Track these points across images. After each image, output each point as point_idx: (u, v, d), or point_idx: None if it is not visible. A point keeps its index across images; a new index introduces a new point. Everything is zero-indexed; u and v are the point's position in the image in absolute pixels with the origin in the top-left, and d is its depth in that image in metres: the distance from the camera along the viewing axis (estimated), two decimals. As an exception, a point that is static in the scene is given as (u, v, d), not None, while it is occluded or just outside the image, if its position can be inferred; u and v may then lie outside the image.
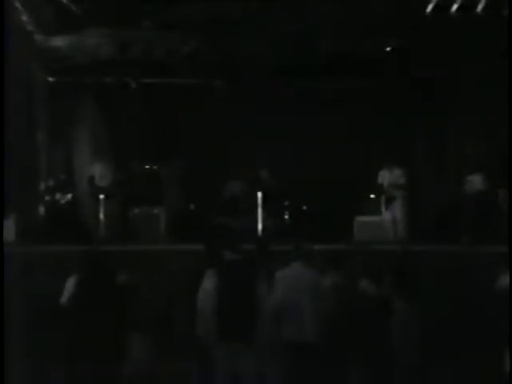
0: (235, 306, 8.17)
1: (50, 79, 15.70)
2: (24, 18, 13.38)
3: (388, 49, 14.46)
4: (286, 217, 14.96)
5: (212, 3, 12.92)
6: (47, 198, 14.69)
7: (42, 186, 14.94)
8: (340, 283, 8.95)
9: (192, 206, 15.46)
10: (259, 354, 8.30)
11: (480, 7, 12.51)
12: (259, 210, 14.33)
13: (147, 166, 15.62)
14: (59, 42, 14.53)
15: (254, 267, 8.74)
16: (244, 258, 8.79)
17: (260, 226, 14.21)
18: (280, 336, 8.45)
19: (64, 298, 8.58)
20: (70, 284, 8.54)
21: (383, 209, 14.37)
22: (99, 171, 14.59)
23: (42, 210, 14.60)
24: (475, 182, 14.20)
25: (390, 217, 14.22)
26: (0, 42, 10.93)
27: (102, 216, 14.06)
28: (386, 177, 14.54)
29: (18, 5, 12.95)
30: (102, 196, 14.19)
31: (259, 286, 8.44)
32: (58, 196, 14.55)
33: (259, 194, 14.44)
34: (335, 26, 13.65)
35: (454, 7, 12.63)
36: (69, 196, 14.61)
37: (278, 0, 12.62)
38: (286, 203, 15.03)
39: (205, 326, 8.37)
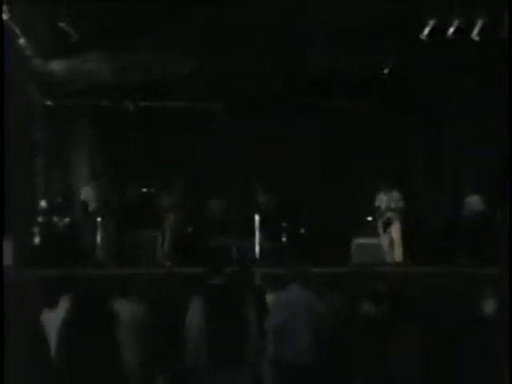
0: (228, 330, 8.12)
1: (49, 103, 15.74)
2: (22, 42, 13.42)
3: (385, 70, 14.48)
4: (284, 239, 14.96)
5: (210, 25, 12.96)
6: (45, 221, 14.65)
7: (40, 209, 14.92)
8: (337, 306, 8.94)
9: (190, 229, 15.44)
10: (253, 377, 8.25)
11: (476, 31, 12.55)
12: (257, 233, 14.34)
13: (145, 189, 15.63)
14: (57, 66, 14.57)
15: (250, 290, 8.71)
16: (246, 280, 8.77)
17: (258, 249, 14.21)
18: (277, 358, 8.41)
19: (58, 323, 8.54)
20: (64, 308, 8.51)
21: (381, 231, 14.39)
22: (93, 194, 14.56)
23: (39, 233, 14.57)
24: (473, 203, 14.23)
25: (387, 239, 14.23)
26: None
27: (99, 239, 14.06)
28: (383, 199, 14.54)
29: (16, 29, 13.00)
30: (99, 219, 14.19)
31: (259, 309, 8.41)
32: (55, 219, 14.52)
33: (257, 217, 14.46)
34: (332, 47, 13.70)
35: (451, 30, 12.65)
36: (66, 219, 14.58)
37: (275, 21, 12.65)
38: (284, 225, 15.03)
39: (196, 351, 8.33)
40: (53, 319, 8.65)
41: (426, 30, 12.73)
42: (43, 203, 14.94)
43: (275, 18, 12.58)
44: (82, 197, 14.63)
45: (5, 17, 12.36)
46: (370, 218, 14.84)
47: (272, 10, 12.36)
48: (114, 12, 12.33)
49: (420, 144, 16.38)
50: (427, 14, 12.61)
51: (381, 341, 8.87)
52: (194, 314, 8.35)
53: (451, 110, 15.86)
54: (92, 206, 14.37)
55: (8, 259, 11.97)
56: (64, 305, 8.60)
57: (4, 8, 12.22)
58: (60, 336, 8.31)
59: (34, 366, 9.02)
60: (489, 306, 9.75)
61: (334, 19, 12.52)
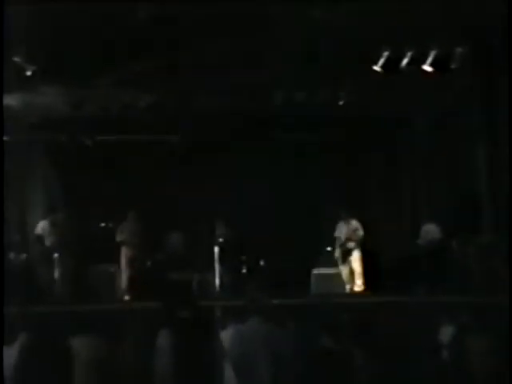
0: (193, 364, 8.06)
1: (4, 138, 15.56)
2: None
3: (341, 102, 14.60)
4: (244, 271, 14.92)
5: (166, 58, 12.97)
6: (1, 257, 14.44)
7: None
8: (297, 337, 8.90)
9: (148, 263, 15.33)
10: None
11: (428, 61, 12.72)
12: (217, 265, 14.29)
13: (103, 224, 15.51)
14: (12, 100, 14.45)
15: (211, 323, 8.66)
16: (201, 315, 8.70)
17: (217, 282, 14.16)
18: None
19: (10, 364, 8.39)
20: (17, 348, 8.38)
21: (340, 261, 14.42)
22: (49, 229, 14.41)
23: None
24: (430, 231, 14.34)
25: (347, 269, 14.26)
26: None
27: (56, 275, 13.90)
28: (342, 229, 14.61)
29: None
30: (56, 255, 14.04)
31: (216, 343, 8.35)
32: (11, 256, 14.32)
33: (216, 249, 14.42)
34: (288, 78, 13.79)
35: (404, 62, 12.80)
36: (23, 256, 14.39)
37: (234, 53, 12.71)
38: (244, 258, 15.00)
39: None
40: (9, 357, 8.53)
41: (381, 61, 12.86)
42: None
43: (233, 53, 12.63)
44: (38, 231, 14.46)
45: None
46: (329, 248, 14.87)
47: (230, 46, 12.43)
48: (70, 46, 12.28)
49: (378, 174, 16.50)
50: (381, 46, 12.76)
51: (341, 372, 8.86)
52: (161, 348, 8.30)
53: (407, 139, 16.04)
54: (48, 241, 14.21)
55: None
56: (20, 342, 8.49)
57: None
58: (15, 373, 8.19)
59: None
60: (447, 334, 9.83)
61: (290, 52, 12.60)
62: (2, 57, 10.81)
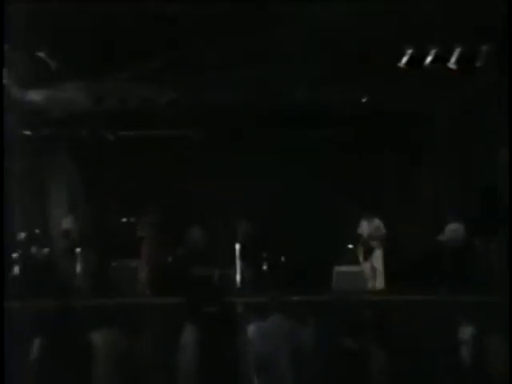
0: (215, 360, 8.10)
1: (27, 132, 15.68)
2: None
3: (363, 100, 14.56)
4: (265, 268, 14.92)
5: (188, 52, 12.99)
6: (23, 252, 14.54)
7: (18, 240, 14.81)
8: (319, 334, 8.89)
9: (170, 259, 15.37)
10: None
11: (453, 60, 12.64)
12: (237, 262, 14.30)
13: (124, 219, 15.55)
14: (35, 95, 14.53)
15: (233, 320, 8.68)
16: (223, 311, 8.73)
17: (238, 278, 14.17)
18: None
19: (34, 355, 8.45)
20: (40, 341, 8.45)
21: (361, 259, 14.39)
22: (73, 224, 14.51)
23: (17, 264, 14.45)
24: (453, 231, 14.26)
25: (368, 267, 14.23)
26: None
27: (78, 270, 13.97)
28: (365, 227, 14.58)
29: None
30: (78, 250, 14.12)
31: (238, 339, 8.37)
32: (33, 250, 14.42)
33: (237, 246, 14.44)
34: (311, 76, 13.77)
35: (428, 60, 12.74)
36: (45, 250, 14.47)
37: (256, 49, 12.71)
38: (265, 255, 14.99)
39: (186, 380, 8.28)
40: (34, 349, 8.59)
41: (404, 59, 12.81)
42: (21, 234, 14.85)
43: (254, 49, 12.63)
44: (64, 226, 14.56)
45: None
46: (351, 246, 14.84)
47: (251, 41, 12.43)
48: (92, 41, 12.32)
49: (400, 172, 16.44)
50: (405, 43, 12.71)
51: (361, 370, 8.85)
52: (182, 342, 8.34)
53: (431, 137, 15.97)
54: (72, 236, 14.30)
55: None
56: (43, 335, 8.55)
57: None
58: (37, 366, 8.24)
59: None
60: (468, 333, 9.80)
61: (312, 48, 12.58)
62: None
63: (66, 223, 14.64)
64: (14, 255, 14.51)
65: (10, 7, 10.95)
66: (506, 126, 12.36)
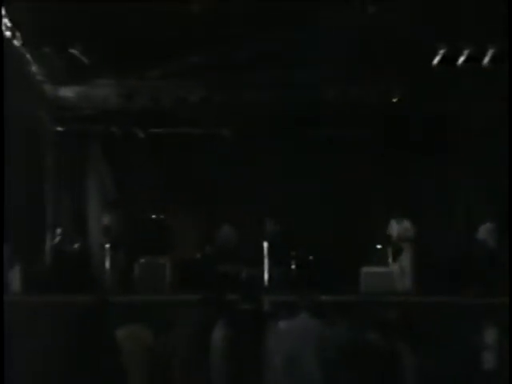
0: (243, 357, 8.10)
1: (59, 128, 15.80)
2: (34, 68, 13.51)
3: (394, 99, 14.51)
4: (293, 267, 14.89)
5: (219, 52, 13.04)
6: (53, 246, 14.66)
7: (49, 235, 14.94)
8: (347, 334, 8.87)
9: (198, 256, 15.41)
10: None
11: (487, 59, 12.55)
12: (266, 260, 14.30)
13: (154, 216, 15.61)
14: (68, 92, 14.66)
15: (262, 317, 8.68)
16: (252, 309, 8.72)
17: (266, 276, 14.17)
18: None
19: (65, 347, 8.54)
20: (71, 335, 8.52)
21: (390, 260, 14.32)
22: (112, 221, 14.62)
23: (47, 258, 14.58)
24: (483, 233, 14.15)
25: (397, 268, 14.15)
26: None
27: (107, 266, 14.05)
28: (394, 228, 14.50)
29: (28, 56, 13.10)
30: (107, 245, 14.20)
31: (268, 337, 8.37)
32: (64, 245, 14.53)
33: (265, 244, 14.44)
34: (342, 76, 13.74)
35: (461, 59, 12.67)
36: (75, 245, 14.57)
37: (285, 49, 12.72)
38: (293, 253, 14.97)
39: (215, 377, 8.29)
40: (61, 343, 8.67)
41: (437, 59, 12.75)
42: (53, 229, 14.97)
43: (283, 47, 12.64)
44: (105, 222, 14.68)
45: (17, 43, 12.47)
46: (379, 246, 14.77)
47: (280, 40, 12.43)
48: (125, 39, 12.41)
49: (432, 172, 16.32)
50: (438, 43, 12.65)
51: (389, 370, 8.82)
52: (215, 339, 8.36)
53: (462, 137, 15.86)
54: (108, 233, 14.42)
55: (16, 285, 11.96)
56: (71, 330, 8.62)
57: (16, 34, 12.33)
58: (66, 360, 8.31)
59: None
60: (495, 335, 9.74)
61: (344, 48, 12.55)
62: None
63: (104, 219, 14.72)
64: (44, 249, 14.68)
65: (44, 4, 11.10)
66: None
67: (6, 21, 11.86)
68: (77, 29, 12.33)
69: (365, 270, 13.83)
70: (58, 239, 14.76)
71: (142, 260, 14.15)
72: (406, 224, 14.42)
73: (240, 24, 12.02)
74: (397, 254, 14.26)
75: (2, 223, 10.18)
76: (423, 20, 11.76)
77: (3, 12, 11.60)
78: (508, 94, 11.88)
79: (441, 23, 11.83)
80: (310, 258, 15.24)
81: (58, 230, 14.91)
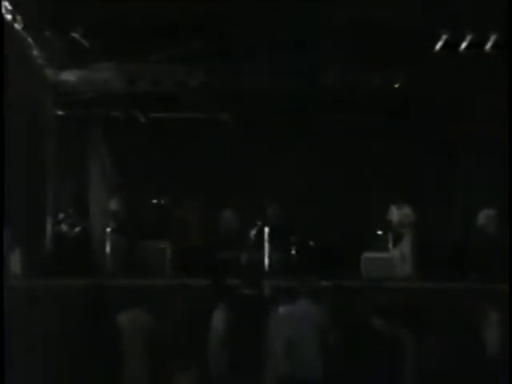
0: (243, 342, 8.15)
1: (60, 112, 15.79)
2: (35, 52, 13.49)
3: (396, 85, 14.49)
4: (293, 252, 14.92)
5: (219, 38, 13.02)
6: (54, 231, 14.68)
7: (49, 218, 14.96)
8: (347, 320, 8.90)
9: (199, 240, 15.43)
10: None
11: (489, 45, 12.52)
12: (266, 245, 14.33)
13: (154, 201, 15.62)
14: (69, 76, 14.63)
15: (262, 302, 8.72)
16: (252, 293, 8.76)
17: (267, 261, 14.21)
18: (285, 372, 8.37)
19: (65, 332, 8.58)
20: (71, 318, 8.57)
21: (391, 245, 14.36)
22: (113, 206, 14.66)
23: (48, 243, 14.60)
24: (483, 218, 14.17)
25: (397, 254, 14.19)
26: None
27: (108, 250, 14.08)
28: (394, 214, 14.54)
29: (29, 39, 13.07)
30: (108, 230, 14.23)
31: (268, 322, 8.41)
32: (64, 229, 14.55)
33: (266, 229, 14.46)
34: (342, 61, 13.73)
35: (463, 45, 12.64)
36: (76, 229, 14.60)
37: (286, 35, 12.70)
38: (293, 239, 15.00)
39: (215, 361, 8.32)
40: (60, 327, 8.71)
41: (439, 44, 12.72)
42: (53, 213, 14.99)
43: (284, 33, 12.62)
44: (113, 207, 14.72)
45: (18, 26, 12.43)
46: (380, 232, 14.79)
47: (281, 25, 12.41)
48: (125, 23, 12.38)
49: (432, 159, 16.32)
50: (440, 28, 12.61)
51: (390, 355, 8.85)
52: (215, 323, 8.41)
53: (463, 123, 15.86)
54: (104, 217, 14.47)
55: (17, 268, 11.99)
56: (74, 314, 8.66)
57: (17, 17, 12.29)
58: (67, 345, 8.36)
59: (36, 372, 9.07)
60: (495, 321, 9.76)
61: (346, 34, 12.53)
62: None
63: (112, 204, 14.76)
64: (46, 234, 14.69)
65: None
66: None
67: (6, 4, 11.81)
68: (78, 12, 12.27)
69: (365, 255, 13.89)
70: (58, 223, 14.78)
71: (143, 244, 14.21)
72: (407, 210, 14.46)
73: (239, 11, 12.00)
74: (397, 240, 14.31)
75: (3, 208, 10.20)
76: (424, 6, 11.72)
77: (3, -6, 11.56)
78: (508, 83, 11.85)
79: (443, 9, 11.79)
80: (311, 243, 15.29)
81: (59, 215, 14.93)
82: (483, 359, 9.76)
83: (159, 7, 12.02)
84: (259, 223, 14.74)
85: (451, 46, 12.66)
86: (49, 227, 14.81)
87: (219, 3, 11.87)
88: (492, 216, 14.10)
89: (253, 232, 14.79)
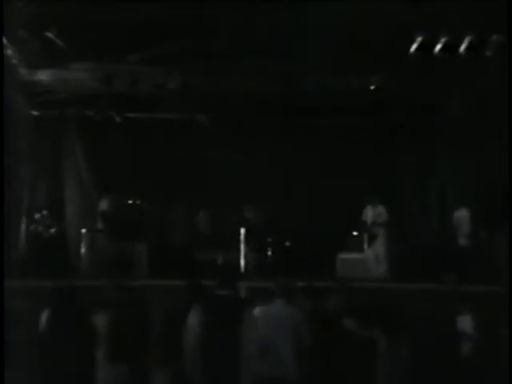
0: (218, 343, 8.16)
1: (34, 113, 15.73)
2: (9, 51, 13.40)
3: (372, 87, 14.59)
4: (269, 253, 14.98)
5: (198, 39, 13.03)
6: (30, 231, 14.64)
7: (25, 219, 14.92)
8: (322, 320, 8.94)
9: (175, 241, 15.45)
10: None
11: (463, 47, 12.65)
12: (242, 246, 14.37)
13: (130, 201, 15.61)
14: (43, 75, 14.57)
15: (237, 303, 8.74)
16: (227, 294, 8.78)
17: (243, 262, 14.25)
18: (260, 372, 8.38)
19: (38, 332, 8.57)
20: (44, 319, 8.55)
21: (365, 246, 14.44)
22: (88, 206, 14.66)
23: (24, 243, 14.56)
24: (460, 219, 14.28)
25: (372, 254, 14.27)
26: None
27: (84, 251, 14.06)
28: (368, 214, 14.62)
29: (3, 39, 12.98)
30: (83, 230, 14.20)
31: (244, 322, 8.43)
32: (40, 229, 14.52)
33: (242, 230, 14.50)
34: (320, 64, 13.79)
35: (438, 47, 12.74)
36: (52, 230, 14.58)
37: (265, 37, 12.74)
38: (269, 239, 15.05)
39: (191, 361, 8.34)
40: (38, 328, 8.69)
41: (414, 46, 12.81)
42: (29, 214, 14.95)
43: (263, 35, 12.66)
44: (102, 208, 14.68)
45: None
46: (355, 233, 14.88)
47: (260, 27, 12.46)
48: (101, 23, 12.34)
49: (408, 159, 16.45)
50: (415, 31, 12.71)
51: (364, 356, 8.90)
52: (190, 324, 8.42)
53: (439, 124, 15.99)
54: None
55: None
56: (47, 315, 8.64)
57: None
58: (40, 346, 8.33)
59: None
60: (470, 323, 9.85)
61: (322, 36, 12.59)
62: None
63: (100, 205, 14.73)
64: (21, 234, 14.65)
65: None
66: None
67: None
68: (53, 12, 12.22)
69: (340, 256, 13.98)
70: (34, 224, 14.75)
71: (119, 245, 14.21)
72: (380, 209, 14.55)
73: (218, 12, 12.02)
74: (371, 240, 14.39)
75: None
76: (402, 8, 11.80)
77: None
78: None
79: (419, 11, 11.88)
80: (287, 244, 15.36)
81: (35, 215, 14.90)
82: (457, 361, 9.88)
83: (136, 7, 12.02)
84: (235, 224, 14.80)
85: (426, 47, 12.76)
86: (24, 228, 14.77)
87: (197, 4, 11.88)
88: (467, 216, 14.21)
89: (229, 233, 14.85)
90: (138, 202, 15.58)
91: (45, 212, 14.91)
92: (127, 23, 12.39)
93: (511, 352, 8.86)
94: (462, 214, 14.19)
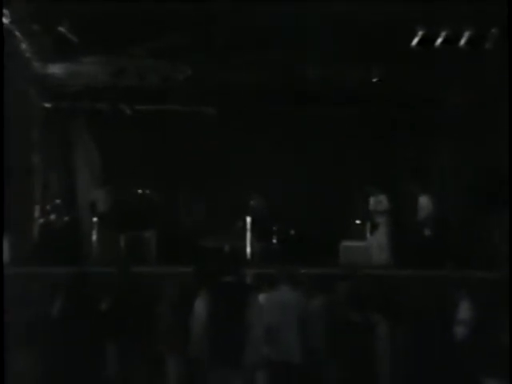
0: (224, 329, 8.29)
1: (47, 105, 15.90)
2: (23, 45, 13.62)
3: (374, 79, 14.75)
4: (274, 241, 15.17)
5: (205, 32, 13.17)
6: (42, 220, 14.83)
7: (37, 208, 15.11)
8: (326, 306, 9.14)
9: (182, 230, 15.66)
10: (248, 377, 8.43)
11: (463, 41, 12.79)
12: (248, 234, 14.54)
13: (139, 191, 15.80)
14: (56, 69, 14.75)
15: (243, 290, 8.89)
16: (236, 281, 8.90)
17: (248, 250, 14.42)
18: (267, 358, 8.60)
19: (52, 317, 8.78)
20: (58, 305, 8.77)
21: (368, 234, 14.60)
22: (101, 196, 14.82)
23: (36, 232, 14.75)
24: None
25: (374, 242, 14.41)
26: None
27: (94, 239, 14.27)
28: (371, 203, 14.77)
29: (17, 33, 13.21)
30: (95, 219, 14.40)
31: (250, 309, 8.57)
32: (52, 218, 14.69)
33: (248, 219, 14.68)
34: (322, 55, 13.92)
35: (439, 41, 12.89)
36: (64, 219, 14.74)
37: (269, 28, 12.87)
38: (275, 228, 15.24)
39: (196, 349, 8.53)
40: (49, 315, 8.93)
41: (415, 40, 12.95)
42: (41, 203, 15.14)
43: (267, 28, 12.80)
44: (92, 198, 14.88)
45: (5, 20, 12.57)
46: (358, 221, 15.05)
47: (264, 21, 12.60)
48: (112, 17, 12.50)
49: (409, 149, 16.55)
50: (416, 24, 12.84)
51: (366, 342, 9.11)
52: (197, 311, 8.60)
53: (439, 116, 16.11)
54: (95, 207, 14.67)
55: (5, 256, 12.14)
56: (59, 302, 8.89)
57: (5, 12, 12.42)
58: (53, 331, 8.56)
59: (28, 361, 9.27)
60: (469, 309, 9.98)
61: (324, 29, 12.73)
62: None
63: (92, 195, 14.92)
64: (34, 223, 14.86)
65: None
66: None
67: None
68: (65, 6, 12.39)
69: (344, 244, 14.14)
70: (46, 213, 14.93)
71: (129, 234, 14.40)
72: (381, 198, 14.67)
73: (225, 6, 12.17)
74: (373, 228, 14.54)
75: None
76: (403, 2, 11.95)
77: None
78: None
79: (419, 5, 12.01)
80: (291, 232, 15.54)
81: (47, 205, 15.09)
82: (457, 346, 10.04)
83: (145, 1, 12.19)
84: (242, 213, 14.97)
85: (427, 41, 12.89)
86: (36, 217, 14.97)
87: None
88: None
89: (235, 221, 15.02)
90: (147, 191, 15.80)
91: (58, 201, 15.11)
92: (137, 17, 12.56)
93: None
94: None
